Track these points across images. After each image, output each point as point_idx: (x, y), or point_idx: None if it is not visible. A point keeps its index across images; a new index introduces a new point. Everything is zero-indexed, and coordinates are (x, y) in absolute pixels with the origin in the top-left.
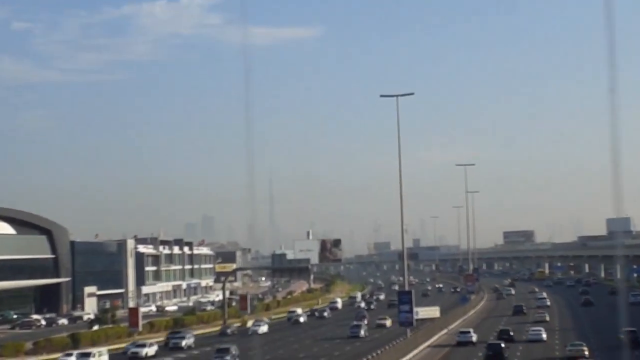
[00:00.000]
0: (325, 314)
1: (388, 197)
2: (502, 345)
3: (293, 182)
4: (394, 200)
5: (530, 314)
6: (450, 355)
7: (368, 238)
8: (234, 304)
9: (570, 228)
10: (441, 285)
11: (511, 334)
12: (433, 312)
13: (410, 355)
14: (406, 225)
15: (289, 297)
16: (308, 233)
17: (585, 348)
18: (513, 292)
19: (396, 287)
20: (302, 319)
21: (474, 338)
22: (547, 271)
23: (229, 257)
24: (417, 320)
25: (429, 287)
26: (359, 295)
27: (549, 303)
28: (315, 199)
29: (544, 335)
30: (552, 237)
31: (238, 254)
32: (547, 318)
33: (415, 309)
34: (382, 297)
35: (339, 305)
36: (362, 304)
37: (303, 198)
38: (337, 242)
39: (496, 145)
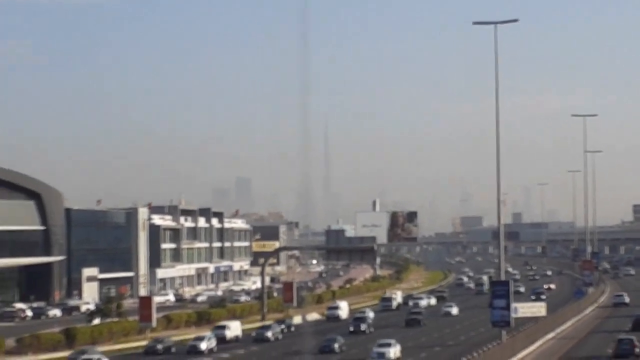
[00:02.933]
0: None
1: (480, 158)
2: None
3: (355, 139)
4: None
5: None
6: None
7: (453, 211)
8: (275, 294)
9: None
10: (547, 271)
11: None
12: (537, 309)
13: None
14: (504, 195)
15: (347, 286)
16: (374, 203)
17: None
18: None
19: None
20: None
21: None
22: None
23: (270, 232)
24: (515, 318)
25: (536, 276)
26: (397, 295)
27: None
28: (385, 161)
29: None
30: None
31: (282, 229)
32: None
33: (513, 305)
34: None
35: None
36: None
37: (368, 159)
38: (412, 216)
39: (625, 92)
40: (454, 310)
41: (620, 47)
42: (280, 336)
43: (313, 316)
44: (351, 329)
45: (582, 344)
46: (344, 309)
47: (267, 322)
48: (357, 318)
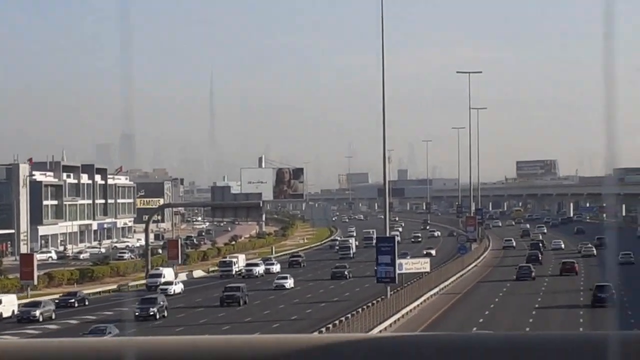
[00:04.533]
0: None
1: (366, 113)
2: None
3: (241, 94)
4: (373, 118)
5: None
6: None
7: (339, 168)
8: (160, 251)
9: (604, 158)
10: (436, 232)
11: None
12: (422, 265)
13: (391, 321)
14: (389, 152)
15: (233, 243)
16: (260, 160)
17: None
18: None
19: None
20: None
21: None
22: (572, 212)
23: (154, 189)
24: (400, 275)
25: (419, 234)
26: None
27: (563, 245)
28: (270, 116)
29: None
30: (580, 169)
31: (167, 185)
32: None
33: (398, 261)
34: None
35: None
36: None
37: (254, 114)
38: (298, 172)
39: (512, 49)
40: (288, 283)
41: (502, 4)
42: (52, 315)
43: (198, 273)
44: (136, 312)
45: (469, 294)
46: (239, 263)
47: (38, 299)
48: (145, 299)
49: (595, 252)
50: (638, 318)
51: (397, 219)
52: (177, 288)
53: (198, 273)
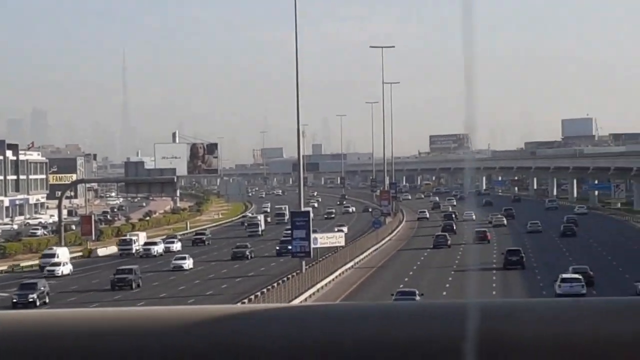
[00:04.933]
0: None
1: (280, 88)
2: None
3: (154, 67)
4: (287, 92)
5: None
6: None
7: (253, 143)
8: (73, 227)
9: (516, 132)
10: (350, 207)
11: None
12: (336, 239)
13: (306, 294)
14: (304, 127)
15: (147, 219)
16: (174, 135)
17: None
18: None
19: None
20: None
21: None
22: (484, 186)
23: (67, 165)
24: (315, 249)
25: (333, 210)
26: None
27: (474, 216)
28: (185, 91)
29: None
30: (493, 143)
31: (79, 161)
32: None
33: (313, 236)
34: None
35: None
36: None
37: (168, 89)
38: (212, 148)
39: (424, 23)
40: (187, 264)
41: None
42: None
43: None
44: (14, 299)
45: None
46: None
47: None
48: (24, 285)
49: (505, 222)
50: (545, 278)
51: (315, 193)
52: (66, 269)
53: (112, 249)
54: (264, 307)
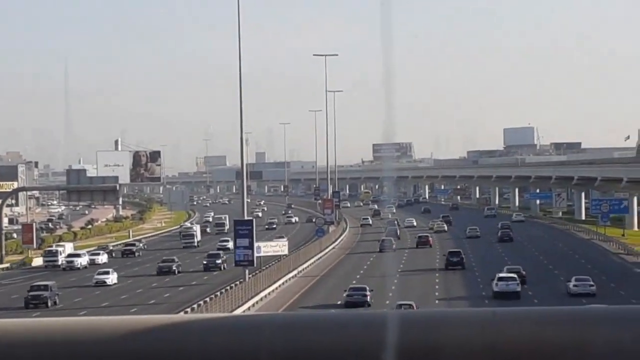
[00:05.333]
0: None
1: (224, 95)
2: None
3: (97, 72)
4: (231, 100)
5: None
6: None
7: (197, 151)
8: (15, 235)
9: (459, 141)
10: (293, 217)
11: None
12: (279, 247)
13: (250, 303)
14: (247, 135)
15: (89, 227)
16: (116, 142)
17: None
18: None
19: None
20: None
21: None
22: (427, 194)
23: (8, 172)
24: (258, 258)
25: (274, 220)
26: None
27: (415, 223)
28: (127, 98)
29: None
30: (435, 151)
31: (21, 169)
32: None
33: (256, 244)
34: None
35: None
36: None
37: (111, 95)
38: (155, 155)
39: (367, 31)
40: (111, 279)
41: None
42: None
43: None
44: None
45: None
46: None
47: None
48: None
49: (445, 228)
50: (484, 277)
51: (262, 202)
52: None
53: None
54: (188, 318)
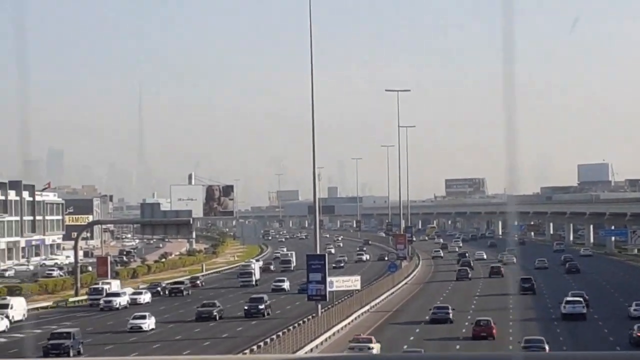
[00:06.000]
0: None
1: (296, 131)
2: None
3: (171, 110)
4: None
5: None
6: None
7: (269, 185)
8: (90, 268)
9: (532, 176)
10: (364, 255)
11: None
12: (352, 282)
13: (322, 338)
14: (319, 169)
15: (163, 260)
16: (190, 177)
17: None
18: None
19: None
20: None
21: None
22: (500, 230)
23: (83, 206)
24: (331, 292)
25: (343, 258)
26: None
27: (485, 256)
28: (201, 133)
29: None
30: (509, 187)
31: (96, 202)
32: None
33: (329, 279)
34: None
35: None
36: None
37: (185, 131)
38: (228, 190)
39: (439, 68)
40: (147, 324)
41: (432, 23)
42: None
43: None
44: (48, 346)
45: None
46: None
47: None
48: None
49: (515, 260)
50: (553, 301)
51: (340, 237)
52: (123, 300)
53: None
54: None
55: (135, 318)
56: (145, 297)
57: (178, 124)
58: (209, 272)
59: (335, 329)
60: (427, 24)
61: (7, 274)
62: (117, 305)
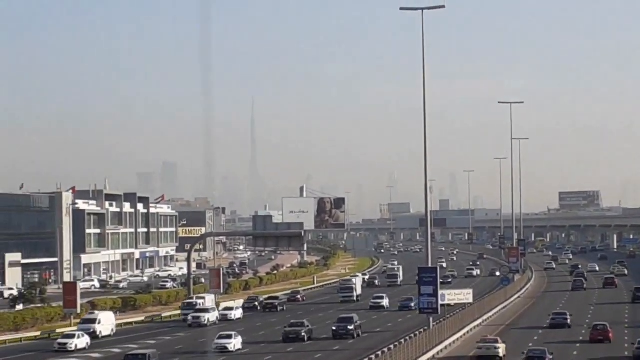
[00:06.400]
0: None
1: (408, 143)
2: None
3: (283, 123)
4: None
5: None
6: None
7: (380, 198)
8: (202, 280)
9: None
10: (475, 270)
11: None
12: (464, 296)
13: (434, 352)
14: (431, 182)
15: (274, 272)
16: (302, 189)
17: None
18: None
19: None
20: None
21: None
22: (615, 244)
23: (196, 218)
24: (442, 306)
25: (452, 273)
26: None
27: (597, 268)
28: (312, 146)
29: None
30: (624, 200)
31: (208, 214)
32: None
33: (441, 292)
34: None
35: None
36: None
37: (296, 143)
38: (339, 202)
39: (553, 79)
40: (233, 344)
41: (547, 34)
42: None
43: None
44: None
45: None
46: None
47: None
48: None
49: (626, 272)
50: None
51: (455, 251)
52: (212, 317)
53: (239, 303)
54: None
55: (220, 337)
56: (237, 313)
57: (296, 136)
58: (319, 284)
59: (447, 342)
60: (539, 37)
61: (121, 285)
62: (205, 322)
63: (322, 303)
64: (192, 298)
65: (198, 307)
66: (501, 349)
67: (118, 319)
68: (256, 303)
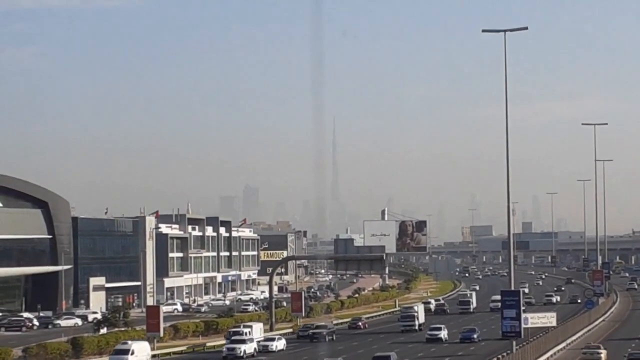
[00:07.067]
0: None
1: (489, 165)
2: None
3: (364, 146)
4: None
5: None
6: None
7: (462, 220)
8: (284, 304)
9: None
10: (554, 297)
11: None
12: (547, 319)
13: None
14: (513, 204)
15: (356, 296)
16: (383, 212)
17: None
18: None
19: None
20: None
21: None
22: None
23: (278, 242)
24: (526, 329)
25: (528, 300)
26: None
27: None
28: (393, 169)
29: None
30: None
31: (290, 238)
32: None
33: (524, 315)
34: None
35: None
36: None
37: (377, 167)
38: (421, 225)
39: (637, 100)
40: None
41: (630, 54)
42: None
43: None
44: None
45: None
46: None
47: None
48: None
49: None
50: None
51: (543, 275)
52: (249, 348)
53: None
54: None
55: None
56: (279, 344)
57: (371, 159)
58: (385, 311)
59: None
60: (622, 57)
61: (203, 309)
62: (241, 354)
63: (381, 332)
64: (238, 326)
65: (238, 336)
66: (603, 355)
67: (160, 347)
68: (310, 332)
